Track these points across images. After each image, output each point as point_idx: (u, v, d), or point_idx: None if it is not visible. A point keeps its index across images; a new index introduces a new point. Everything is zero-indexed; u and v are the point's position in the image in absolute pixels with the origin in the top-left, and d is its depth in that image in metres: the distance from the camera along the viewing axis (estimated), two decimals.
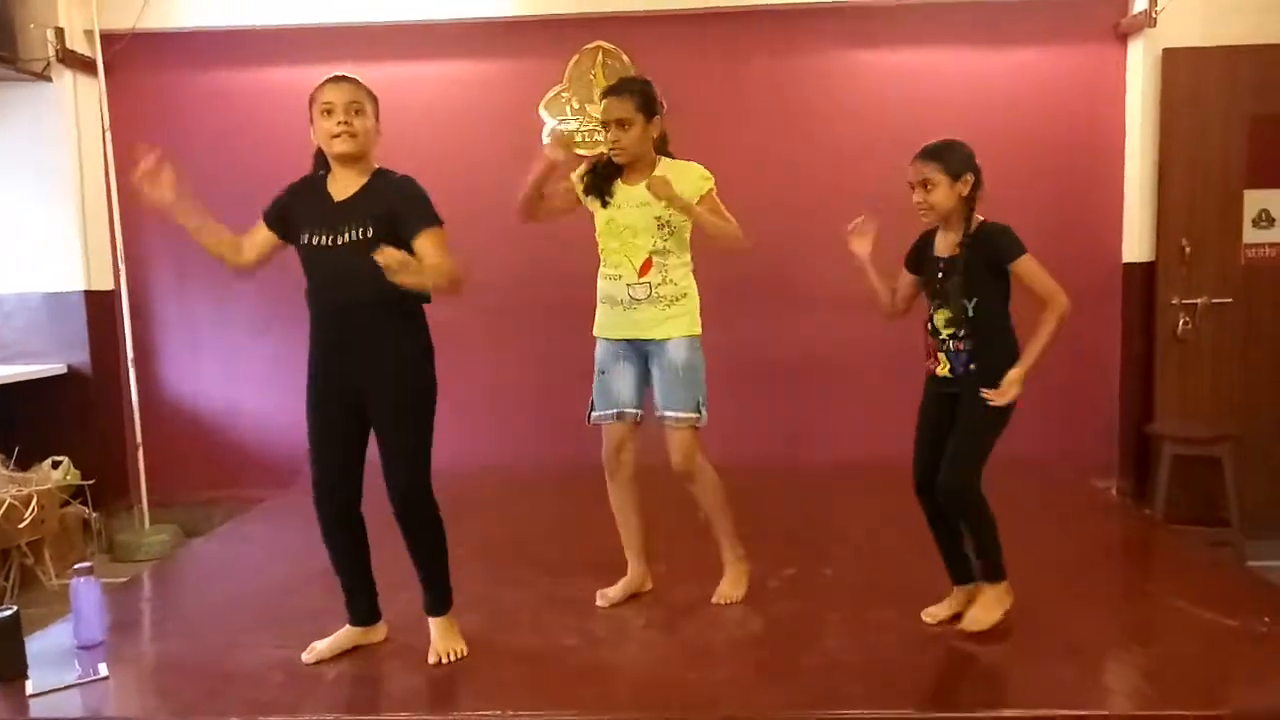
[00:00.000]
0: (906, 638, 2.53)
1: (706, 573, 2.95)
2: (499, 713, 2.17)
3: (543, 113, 4.57)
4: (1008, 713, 2.11)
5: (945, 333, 2.47)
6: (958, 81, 4.53)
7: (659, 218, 2.67)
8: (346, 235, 2.28)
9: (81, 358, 4.56)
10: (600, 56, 4.54)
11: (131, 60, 4.53)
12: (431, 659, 2.44)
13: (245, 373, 4.76)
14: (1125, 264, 4.52)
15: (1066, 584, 2.86)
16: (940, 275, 2.47)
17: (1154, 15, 4.21)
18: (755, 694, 2.25)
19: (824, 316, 4.57)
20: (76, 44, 4.43)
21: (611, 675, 2.36)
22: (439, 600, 2.49)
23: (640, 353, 2.76)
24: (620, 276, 2.71)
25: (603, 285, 2.77)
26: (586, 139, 4.57)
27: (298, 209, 2.39)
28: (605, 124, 2.69)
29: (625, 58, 4.54)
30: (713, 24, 4.53)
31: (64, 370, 4.53)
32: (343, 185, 2.35)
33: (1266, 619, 2.51)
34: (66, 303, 4.54)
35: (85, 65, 4.47)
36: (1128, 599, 2.83)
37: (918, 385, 2.68)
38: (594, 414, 2.80)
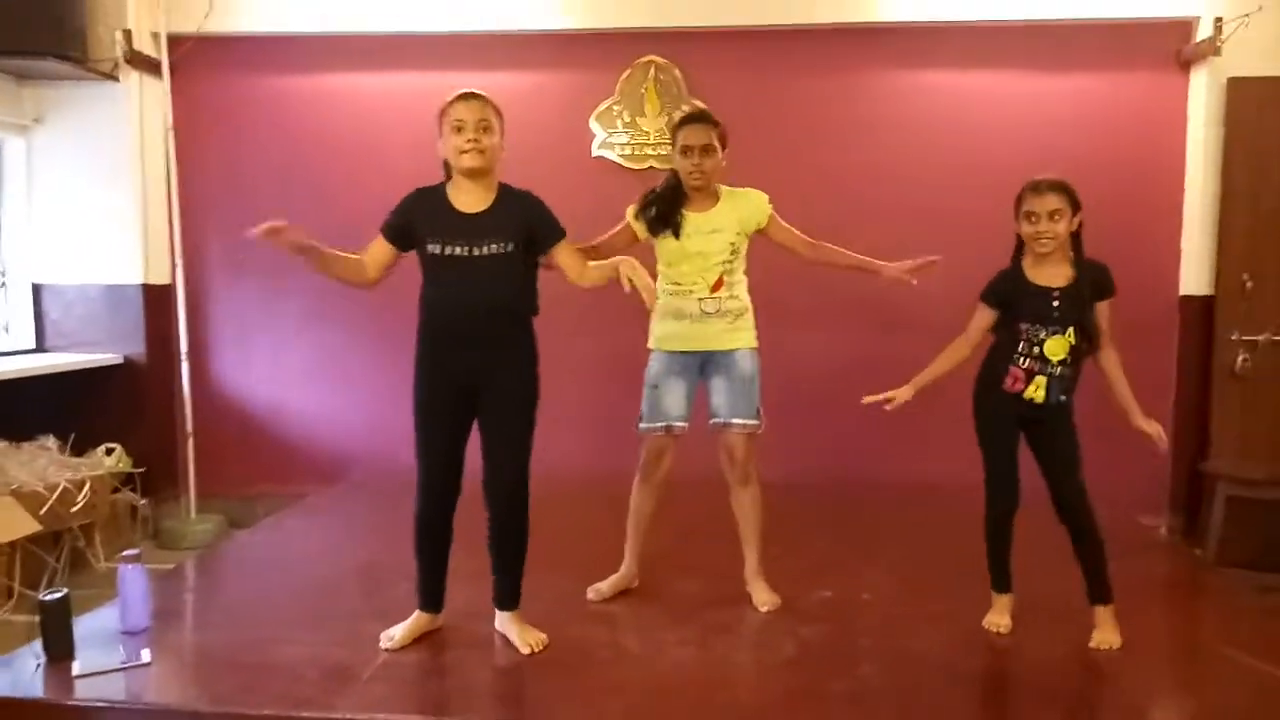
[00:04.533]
0: (941, 669, 2.48)
1: (742, 591, 2.94)
2: None
3: (594, 125, 4.60)
4: None
5: (1055, 359, 2.55)
6: (1014, 104, 4.47)
7: (732, 244, 2.82)
8: (487, 248, 2.43)
9: (137, 349, 4.69)
10: (653, 71, 4.56)
11: (195, 63, 4.65)
12: (525, 650, 2.53)
13: (292, 369, 4.86)
14: (1182, 296, 4.43)
15: None
16: (1057, 304, 2.55)
17: (1218, 43, 4.12)
18: (784, 718, 2.23)
19: (867, 334, 4.53)
20: (144, 45, 4.56)
21: (640, 690, 2.35)
22: (515, 593, 2.63)
23: (697, 365, 2.87)
24: (692, 292, 2.83)
25: (668, 301, 2.86)
26: (636, 152, 4.59)
27: (420, 221, 2.49)
28: (687, 149, 2.78)
29: (677, 72, 4.55)
30: (766, 41, 4.52)
31: (120, 360, 4.65)
32: (471, 199, 2.48)
33: None
34: (124, 295, 4.67)
35: (151, 66, 4.59)
36: (1175, 645, 2.75)
37: (957, 407, 2.69)
38: (643, 425, 2.89)
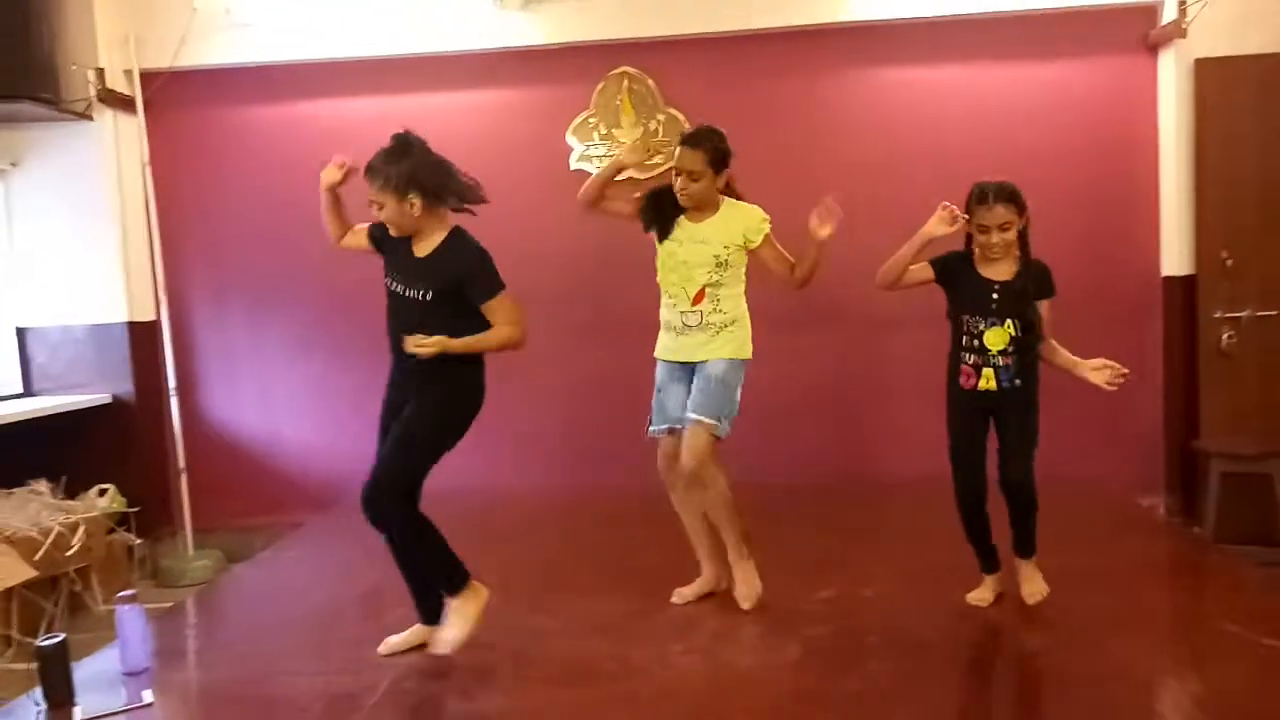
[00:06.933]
0: (949, 659, 2.49)
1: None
2: None
3: (570, 139, 4.61)
4: None
5: (995, 350, 2.66)
6: (986, 97, 4.50)
7: (716, 256, 2.83)
8: (415, 292, 2.55)
9: (125, 387, 4.66)
10: (626, 82, 4.58)
11: (169, 97, 4.65)
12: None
13: (282, 399, 4.84)
14: (1165, 277, 4.44)
15: (1113, 606, 2.80)
16: (996, 297, 2.67)
17: (1184, 26, 4.16)
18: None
19: (856, 334, 4.54)
20: (116, 83, 4.56)
21: (649, 702, 2.34)
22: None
23: (689, 374, 2.92)
24: (675, 304, 2.89)
25: (663, 312, 2.95)
26: None
27: (387, 250, 2.67)
28: (676, 171, 2.82)
29: (650, 82, 4.57)
30: (737, 47, 4.54)
31: (108, 400, 4.63)
32: (425, 241, 2.59)
33: None
34: (110, 334, 4.65)
35: (125, 104, 4.59)
36: (1177, 622, 2.77)
37: (934, 403, 2.74)
38: (650, 428, 2.97)
